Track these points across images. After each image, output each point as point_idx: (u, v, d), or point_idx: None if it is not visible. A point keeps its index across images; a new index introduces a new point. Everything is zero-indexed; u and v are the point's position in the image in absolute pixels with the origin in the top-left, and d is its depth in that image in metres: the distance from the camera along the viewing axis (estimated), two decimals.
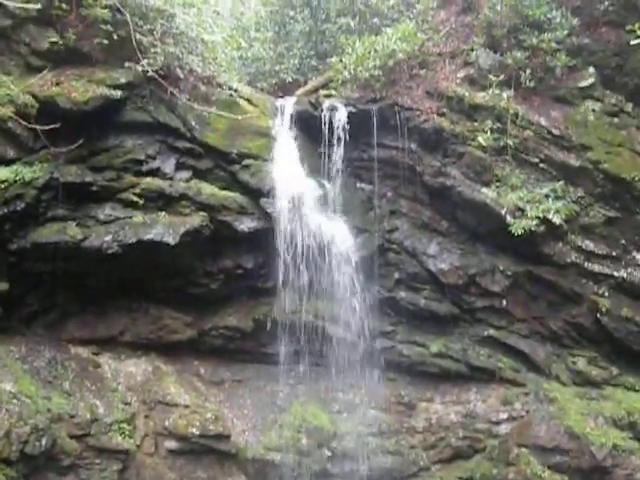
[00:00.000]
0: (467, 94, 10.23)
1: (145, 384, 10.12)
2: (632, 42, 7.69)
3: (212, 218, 9.77)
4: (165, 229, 9.42)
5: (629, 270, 9.98)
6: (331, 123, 10.14)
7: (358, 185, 10.70)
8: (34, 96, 9.07)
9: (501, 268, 10.30)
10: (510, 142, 9.82)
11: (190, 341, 10.42)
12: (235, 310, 10.57)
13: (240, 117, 9.52)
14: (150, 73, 9.10)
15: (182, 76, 9.80)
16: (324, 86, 11.17)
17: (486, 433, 10.20)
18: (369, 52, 10.30)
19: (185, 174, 9.95)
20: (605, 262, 10.00)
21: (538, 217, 9.61)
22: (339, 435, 9.85)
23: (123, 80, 9.35)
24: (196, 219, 9.66)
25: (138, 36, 9.14)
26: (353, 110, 10.31)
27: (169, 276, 10.09)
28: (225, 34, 10.67)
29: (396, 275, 10.66)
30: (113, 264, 9.55)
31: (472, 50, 10.38)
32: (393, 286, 10.66)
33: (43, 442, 8.91)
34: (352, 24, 12.01)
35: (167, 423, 9.88)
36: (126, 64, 9.33)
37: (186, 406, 10.00)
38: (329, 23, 12.62)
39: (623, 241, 10.02)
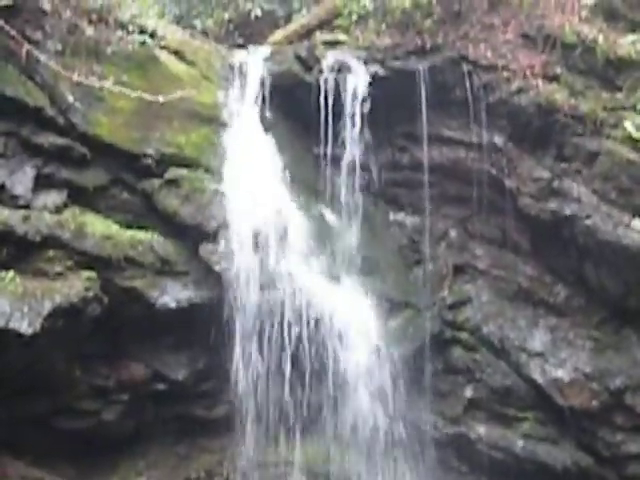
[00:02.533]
0: (602, 39, 9.66)
1: None
2: None
3: (106, 282, 9.14)
4: (13, 306, 8.68)
5: None
6: (339, 97, 9.79)
7: (392, 216, 10.57)
8: None
9: None
10: None
11: None
12: (151, 464, 9.93)
13: (163, 91, 9.15)
14: None
15: (48, 7, 9.28)
16: (324, 26, 10.86)
17: None
18: None
19: (54, 197, 9.36)
20: None
21: None
22: None
23: None
24: (75, 285, 8.96)
25: None
26: (381, 72, 9.95)
27: (22, 395, 9.22)
28: None
29: (468, 392, 10.18)
30: None
31: None
32: (463, 413, 10.19)
33: None
34: None
35: None
36: None
37: None
38: None
39: None
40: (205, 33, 11.78)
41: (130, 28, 9.69)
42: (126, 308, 9.23)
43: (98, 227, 9.20)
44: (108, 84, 9.10)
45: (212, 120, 9.77)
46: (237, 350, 9.21)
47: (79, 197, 9.35)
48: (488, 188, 9.89)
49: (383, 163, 10.22)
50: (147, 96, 9.08)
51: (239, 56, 10.25)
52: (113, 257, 9.10)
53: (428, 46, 9.94)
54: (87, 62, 9.21)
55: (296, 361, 9.22)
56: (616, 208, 9.39)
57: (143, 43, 9.70)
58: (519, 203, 9.77)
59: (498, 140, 9.84)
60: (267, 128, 9.89)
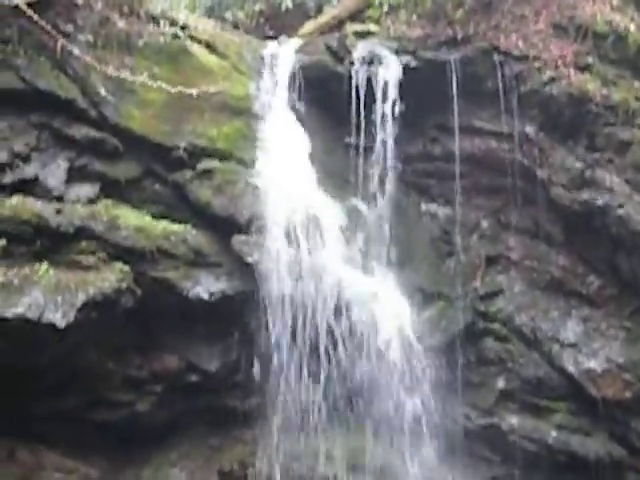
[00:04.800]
0: (633, 28, 9.64)
1: None
2: None
3: (139, 274, 9.12)
4: (47, 297, 8.70)
5: None
6: (370, 88, 9.74)
7: (423, 207, 10.52)
8: None
9: None
10: None
11: None
12: (184, 455, 9.93)
13: (195, 83, 9.28)
14: None
15: (80, 0, 9.25)
16: (354, 17, 10.79)
17: None
18: None
19: (87, 189, 9.39)
20: None
21: None
22: None
23: None
24: (108, 277, 8.98)
25: None
26: (412, 63, 9.93)
27: (56, 390, 9.34)
28: None
29: (500, 383, 10.10)
30: None
31: None
32: (495, 404, 10.10)
33: None
34: None
35: None
36: None
37: None
38: None
39: None
40: (236, 25, 11.69)
41: (161, 21, 9.63)
42: (159, 300, 9.23)
43: (131, 219, 9.23)
44: (142, 78, 9.13)
45: (244, 112, 9.75)
46: (271, 341, 9.17)
47: (111, 189, 9.39)
48: (520, 178, 9.85)
49: (414, 154, 10.20)
50: (181, 89, 9.15)
51: (270, 48, 10.25)
52: (146, 249, 9.12)
53: (459, 37, 9.89)
54: (119, 55, 9.26)
55: (329, 352, 9.20)
56: None
57: (175, 36, 9.69)
58: (551, 193, 9.74)
59: (530, 130, 9.78)
60: (298, 119, 9.84)
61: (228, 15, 11.96)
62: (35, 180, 9.10)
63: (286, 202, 9.37)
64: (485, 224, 10.28)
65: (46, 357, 9.01)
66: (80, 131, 9.22)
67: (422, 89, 9.72)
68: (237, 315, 9.26)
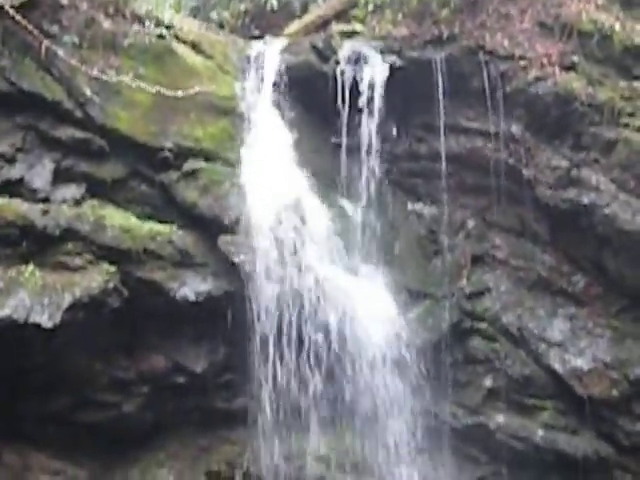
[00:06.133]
0: (618, 27, 9.59)
1: None
2: None
3: (125, 275, 9.18)
4: (34, 299, 8.77)
5: None
6: (356, 87, 9.77)
7: (409, 206, 10.53)
8: None
9: None
10: None
11: None
12: (172, 456, 9.98)
13: (180, 84, 9.39)
14: None
15: (65, 1, 9.30)
16: (340, 16, 10.87)
17: None
18: None
19: (73, 190, 9.45)
20: None
21: None
22: None
23: None
24: (95, 278, 9.02)
25: None
26: (398, 62, 9.93)
27: (43, 391, 9.40)
28: None
29: (487, 382, 10.13)
30: None
31: None
32: (482, 403, 10.13)
33: None
34: None
35: None
36: None
37: None
38: None
39: None
40: (221, 25, 11.81)
41: (146, 21, 9.67)
42: (146, 300, 9.25)
43: (117, 220, 9.23)
44: (127, 78, 9.20)
45: (229, 112, 9.78)
46: (256, 341, 9.14)
47: (98, 190, 9.39)
48: (506, 178, 9.86)
49: (401, 153, 10.21)
50: (166, 91, 9.22)
51: (256, 48, 10.26)
52: (132, 250, 9.12)
53: (445, 36, 9.89)
54: (104, 55, 9.25)
55: (315, 352, 9.21)
56: (634, 196, 9.39)
57: (160, 36, 9.70)
58: (537, 192, 9.74)
59: (515, 129, 9.78)
60: (284, 119, 9.89)
61: (213, 15, 12.05)
62: (21, 181, 9.09)
63: (272, 202, 9.37)
64: (471, 223, 10.30)
65: (33, 359, 9.03)
66: (66, 132, 9.23)
67: (408, 88, 9.75)
68: (223, 315, 9.22)
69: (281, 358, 9.22)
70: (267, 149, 9.70)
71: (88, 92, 9.23)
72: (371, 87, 9.72)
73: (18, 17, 8.65)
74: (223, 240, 9.27)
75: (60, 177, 9.26)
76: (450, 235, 10.22)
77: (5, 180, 9.03)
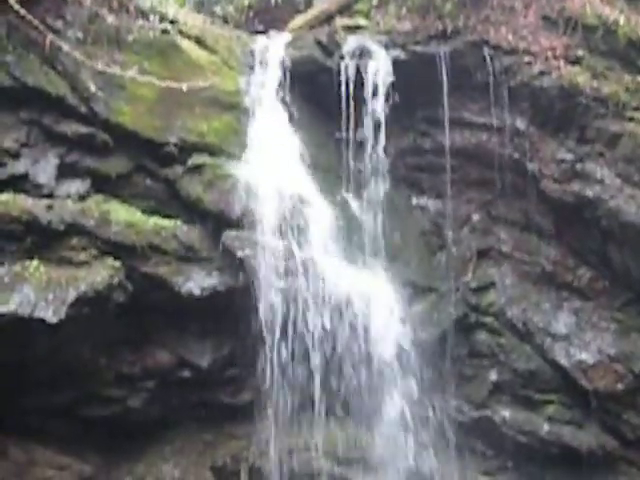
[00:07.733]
0: (623, 20, 9.62)
1: None
2: None
3: (130, 270, 9.14)
4: (39, 294, 8.76)
5: None
6: (360, 82, 9.76)
7: (414, 201, 10.54)
8: None
9: None
10: None
11: None
12: (177, 450, 9.91)
13: (185, 78, 9.33)
14: None
15: None
16: (344, 10, 10.75)
17: None
18: None
19: (77, 185, 9.44)
20: None
21: None
22: None
23: None
24: (100, 273, 8.99)
25: None
26: (402, 56, 9.98)
27: (49, 386, 9.30)
28: None
29: (492, 376, 10.11)
30: None
31: None
32: (487, 397, 10.10)
33: None
34: None
35: None
36: None
37: None
38: None
39: None
40: (225, 20, 11.64)
41: (150, 15, 9.68)
42: (151, 295, 9.25)
43: (122, 215, 9.23)
44: (132, 73, 9.21)
45: (234, 107, 9.78)
46: (263, 336, 9.12)
47: (102, 185, 9.40)
48: (510, 171, 9.88)
49: (405, 148, 10.21)
50: (171, 84, 9.21)
51: (260, 42, 10.27)
52: (137, 244, 9.13)
53: (449, 30, 9.90)
54: (108, 50, 9.28)
55: (320, 346, 9.19)
56: (639, 190, 9.42)
57: (164, 31, 9.70)
58: (542, 186, 9.77)
59: (520, 123, 9.82)
60: (289, 114, 9.89)
61: (217, 9, 11.96)
62: (25, 176, 9.09)
63: (277, 197, 9.33)
64: (476, 217, 10.28)
65: (38, 354, 8.99)
66: (70, 127, 9.21)
67: (412, 83, 9.72)
68: (229, 310, 9.22)
69: (286, 352, 9.17)
70: (272, 144, 9.69)
71: (92, 87, 9.23)
72: (375, 82, 9.73)
73: (22, 12, 8.65)
74: (228, 235, 9.28)
75: (64, 172, 9.26)
76: (455, 229, 10.21)
77: (9, 175, 9.04)
